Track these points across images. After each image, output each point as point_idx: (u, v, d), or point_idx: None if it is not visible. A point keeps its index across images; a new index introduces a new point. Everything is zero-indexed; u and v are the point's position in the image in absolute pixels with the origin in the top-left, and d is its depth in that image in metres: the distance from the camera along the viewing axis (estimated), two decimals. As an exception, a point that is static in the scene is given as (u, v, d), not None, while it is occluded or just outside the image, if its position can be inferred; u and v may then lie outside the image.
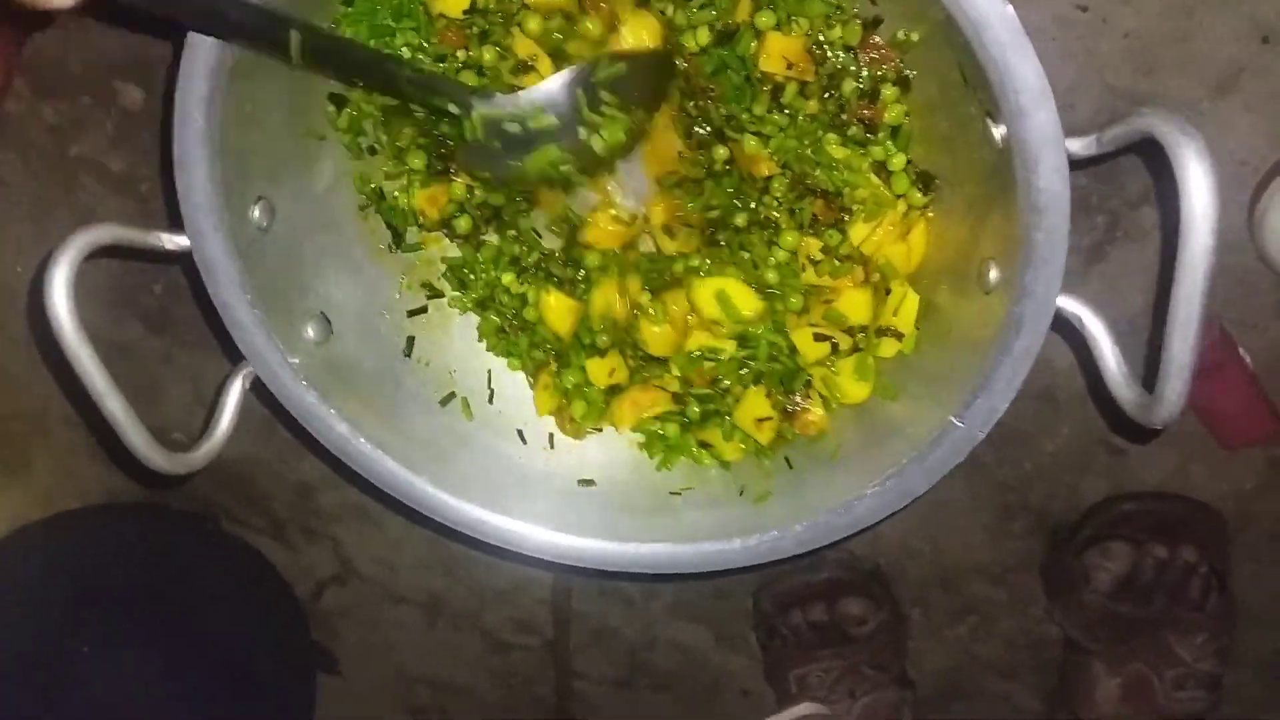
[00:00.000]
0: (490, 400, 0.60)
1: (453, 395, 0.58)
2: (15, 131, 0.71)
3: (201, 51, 0.43)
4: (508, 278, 0.56)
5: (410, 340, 0.58)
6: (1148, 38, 0.61)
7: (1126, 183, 0.65)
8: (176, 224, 0.48)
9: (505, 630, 0.90)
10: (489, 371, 0.60)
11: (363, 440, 0.52)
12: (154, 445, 0.47)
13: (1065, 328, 0.44)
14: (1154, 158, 0.36)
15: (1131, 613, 0.72)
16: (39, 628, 0.71)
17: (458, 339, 0.60)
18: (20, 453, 0.83)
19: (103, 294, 0.77)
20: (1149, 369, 0.41)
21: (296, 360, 0.51)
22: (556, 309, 0.55)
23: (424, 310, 0.59)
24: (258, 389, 0.52)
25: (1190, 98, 0.62)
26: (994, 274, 0.46)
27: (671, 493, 0.56)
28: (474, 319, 0.60)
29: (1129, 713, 0.71)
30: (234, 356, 0.51)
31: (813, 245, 0.53)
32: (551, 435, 0.60)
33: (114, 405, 0.45)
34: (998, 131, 0.42)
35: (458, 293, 0.58)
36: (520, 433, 0.59)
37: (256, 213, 0.50)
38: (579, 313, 0.55)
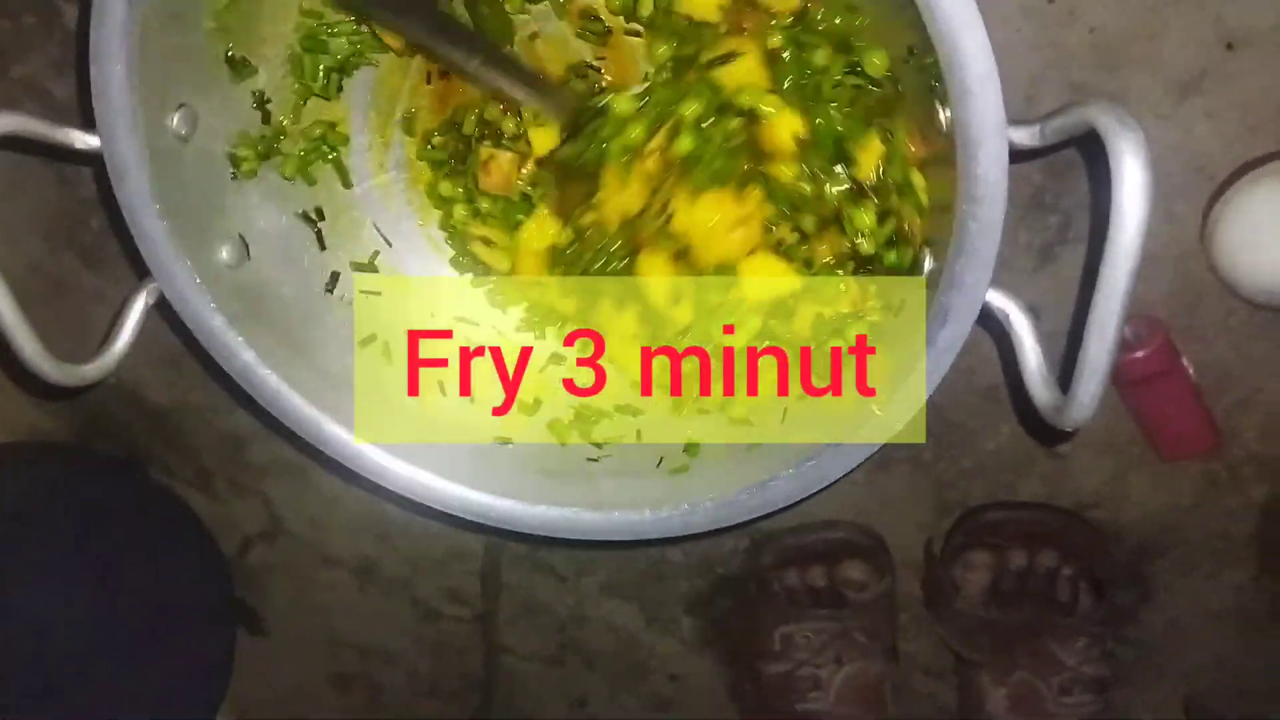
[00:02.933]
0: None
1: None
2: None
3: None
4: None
5: (335, 275, 0.56)
6: (1113, 34, 0.60)
7: (1081, 183, 0.64)
8: (91, 124, 0.46)
9: (437, 599, 0.89)
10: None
11: (268, 373, 0.50)
12: (45, 355, 0.45)
13: (994, 324, 0.43)
14: (1096, 152, 0.35)
15: (1004, 620, 0.73)
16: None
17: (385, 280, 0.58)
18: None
19: (39, 224, 0.75)
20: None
21: (205, 280, 0.48)
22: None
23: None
24: (169, 316, 0.50)
25: (1152, 98, 0.61)
26: (928, 261, 0.45)
27: (589, 459, 0.54)
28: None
29: (1020, 722, 0.71)
30: (142, 272, 0.49)
31: None
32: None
33: (4, 308, 0.44)
34: (944, 115, 0.41)
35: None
36: (440, 383, 0.57)
37: (176, 119, 0.48)
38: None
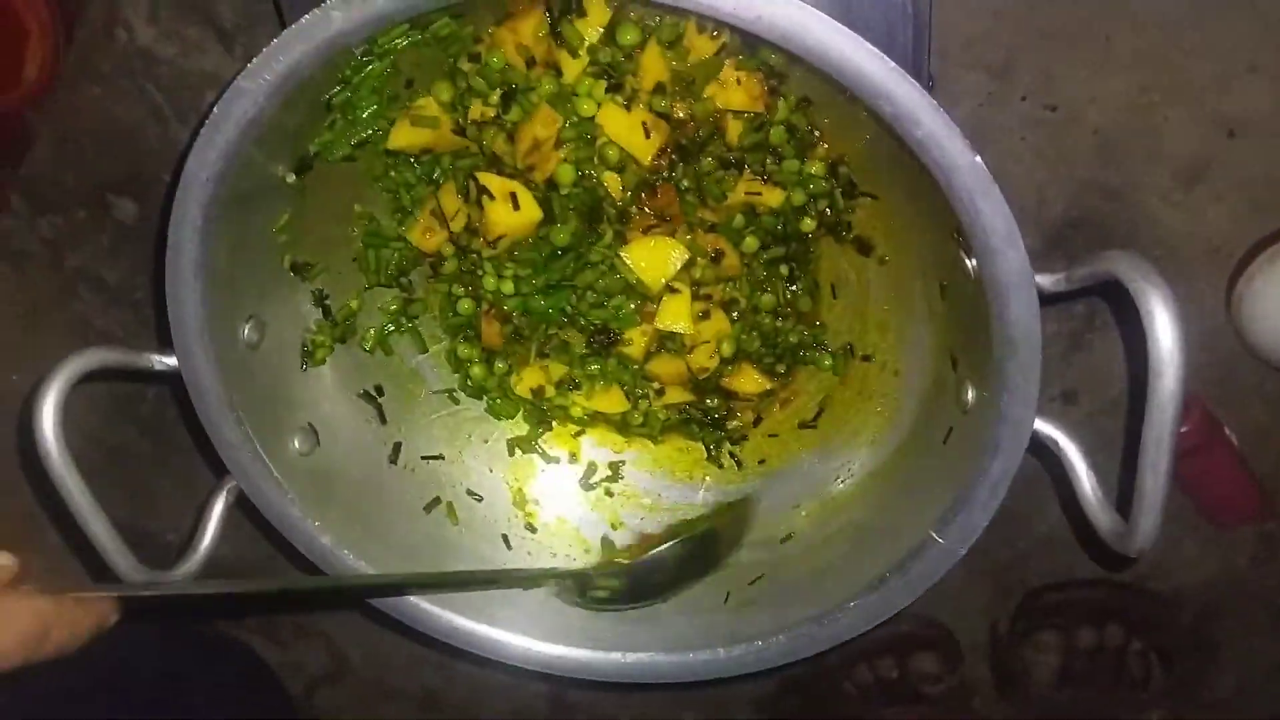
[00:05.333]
0: (478, 500, 0.60)
1: (438, 500, 0.58)
2: (12, 244, 0.73)
3: (196, 182, 0.44)
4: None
5: (397, 446, 0.58)
6: (1116, 133, 0.62)
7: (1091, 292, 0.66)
8: (167, 340, 0.48)
9: (503, 722, 0.89)
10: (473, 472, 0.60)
11: (345, 553, 0.52)
12: (137, 566, 0.48)
13: (1042, 450, 0.45)
14: (1119, 297, 0.36)
15: (1079, 699, 0.73)
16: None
17: (441, 441, 0.60)
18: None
19: (100, 401, 0.78)
20: (1126, 484, 0.42)
21: (281, 473, 0.51)
22: None
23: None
24: (244, 501, 0.52)
25: (1161, 188, 0.63)
26: (971, 394, 0.47)
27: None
28: (462, 417, 0.61)
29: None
30: (218, 468, 0.51)
31: None
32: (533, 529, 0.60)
33: (98, 528, 0.46)
34: (970, 263, 0.43)
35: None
36: (505, 537, 0.59)
37: (246, 330, 0.51)
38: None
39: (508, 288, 0.53)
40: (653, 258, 0.52)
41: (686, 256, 0.52)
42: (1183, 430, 0.67)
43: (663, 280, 0.52)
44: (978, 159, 0.38)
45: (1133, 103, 0.61)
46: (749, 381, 0.57)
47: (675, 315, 0.54)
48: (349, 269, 0.56)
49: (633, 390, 0.58)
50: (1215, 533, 0.74)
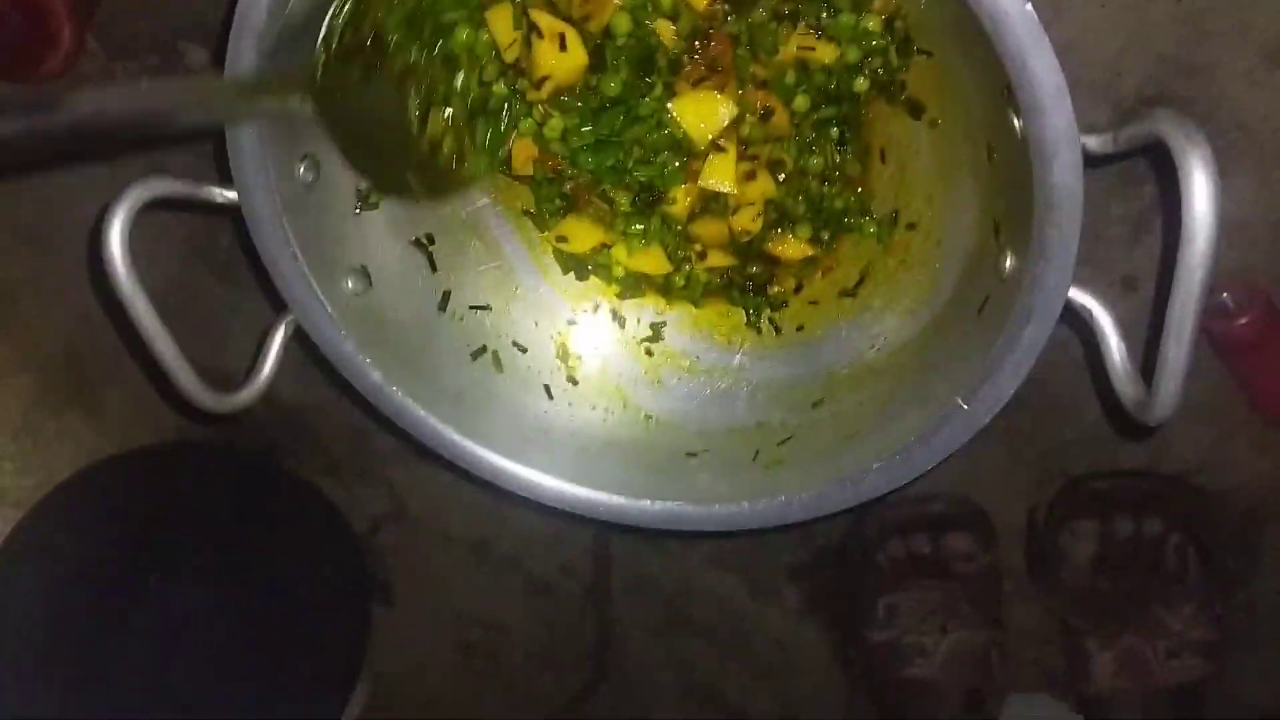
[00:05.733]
0: (523, 352, 0.62)
1: (484, 349, 0.60)
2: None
3: (253, 13, 0.45)
4: None
5: (446, 294, 0.60)
6: (1201, 4, 0.59)
7: (1136, 154, 0.63)
8: (228, 178, 0.50)
9: (550, 574, 0.94)
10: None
11: (394, 389, 0.55)
12: (201, 386, 0.51)
13: (1076, 319, 0.45)
14: (1166, 160, 0.36)
15: (1112, 588, 0.73)
16: (114, 558, 0.78)
17: (490, 292, 0.62)
18: (96, 391, 0.89)
19: (177, 244, 0.82)
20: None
21: (335, 311, 0.53)
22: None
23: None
24: (302, 337, 0.55)
25: (1244, 67, 0.60)
26: (1010, 262, 0.46)
27: (688, 453, 0.57)
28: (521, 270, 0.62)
29: (1126, 685, 0.71)
30: (279, 305, 0.54)
31: None
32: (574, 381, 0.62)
33: (164, 347, 0.49)
34: (1018, 123, 0.42)
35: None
36: (547, 387, 0.61)
37: (302, 169, 0.52)
38: None
39: (552, 132, 0.54)
40: (701, 110, 0.51)
41: (735, 112, 0.52)
42: (1242, 323, 0.66)
43: (709, 136, 0.52)
44: (1028, 7, 0.37)
45: (1224, -29, 0.58)
46: (792, 248, 0.57)
47: (721, 174, 0.54)
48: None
49: (675, 252, 0.58)
50: (1270, 434, 0.73)
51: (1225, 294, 0.66)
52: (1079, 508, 0.76)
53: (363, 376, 0.54)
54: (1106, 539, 0.75)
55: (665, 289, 0.61)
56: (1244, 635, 0.80)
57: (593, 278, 0.62)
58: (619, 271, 0.60)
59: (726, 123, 0.52)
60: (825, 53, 0.51)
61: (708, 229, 0.57)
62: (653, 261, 0.58)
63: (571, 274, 0.62)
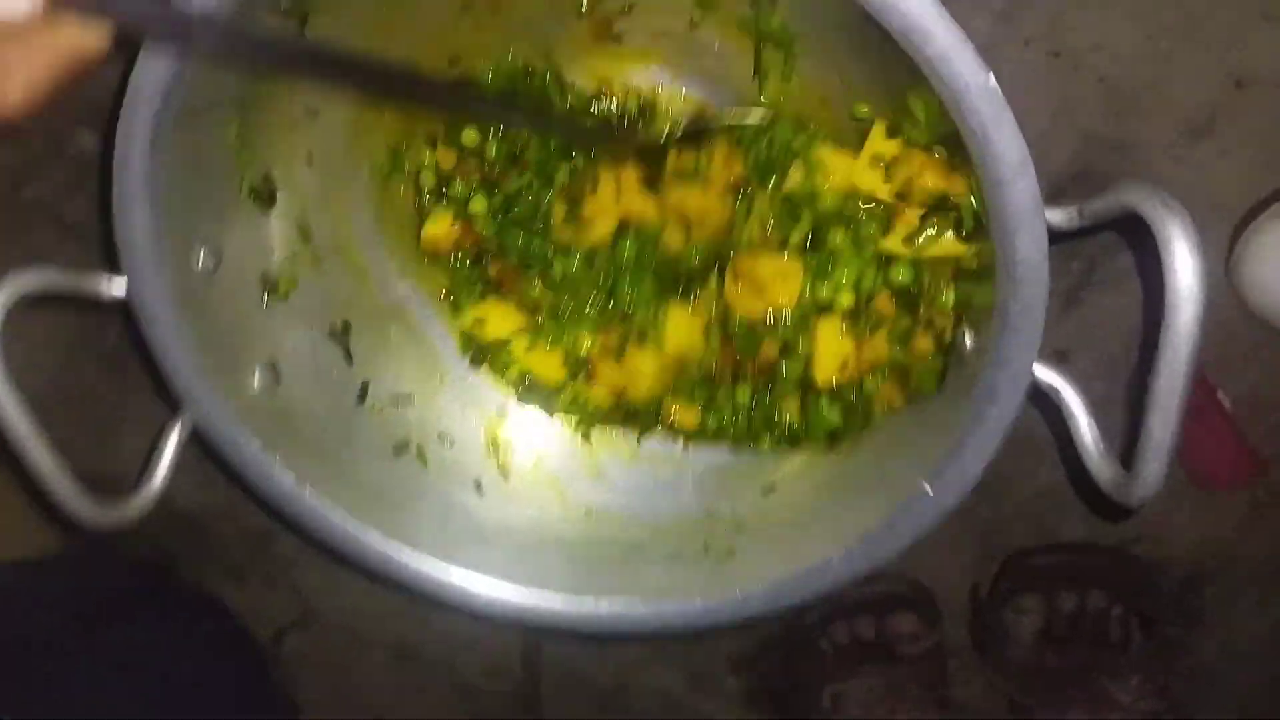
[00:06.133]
0: (450, 445, 0.58)
1: (407, 443, 0.56)
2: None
3: (144, 95, 0.42)
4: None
5: (365, 385, 0.56)
6: (1122, 82, 0.60)
7: (1102, 229, 0.64)
8: (117, 266, 0.46)
9: (475, 677, 0.88)
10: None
11: (308, 492, 0.50)
12: (82, 497, 0.45)
13: (1042, 398, 0.43)
14: (1135, 231, 0.34)
15: (1058, 663, 0.72)
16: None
17: (413, 381, 0.58)
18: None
19: (59, 337, 0.75)
20: (1126, 435, 0.40)
21: (238, 408, 0.49)
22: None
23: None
24: (201, 439, 0.50)
25: (1165, 142, 0.61)
26: (969, 339, 0.45)
27: (632, 546, 0.54)
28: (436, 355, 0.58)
29: (1078, 761, 0.70)
30: (175, 403, 0.49)
31: None
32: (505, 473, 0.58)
33: (37, 455, 0.44)
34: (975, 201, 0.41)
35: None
36: (477, 482, 0.57)
37: (200, 257, 0.48)
38: None
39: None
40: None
41: None
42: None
43: None
44: (990, 79, 0.36)
45: (1139, 50, 0.59)
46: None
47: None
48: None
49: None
50: (1203, 499, 0.73)
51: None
52: (1022, 583, 0.75)
53: (270, 480, 0.49)
54: (1051, 613, 0.74)
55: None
56: (1189, 702, 0.79)
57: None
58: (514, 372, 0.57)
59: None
60: None
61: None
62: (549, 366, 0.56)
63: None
